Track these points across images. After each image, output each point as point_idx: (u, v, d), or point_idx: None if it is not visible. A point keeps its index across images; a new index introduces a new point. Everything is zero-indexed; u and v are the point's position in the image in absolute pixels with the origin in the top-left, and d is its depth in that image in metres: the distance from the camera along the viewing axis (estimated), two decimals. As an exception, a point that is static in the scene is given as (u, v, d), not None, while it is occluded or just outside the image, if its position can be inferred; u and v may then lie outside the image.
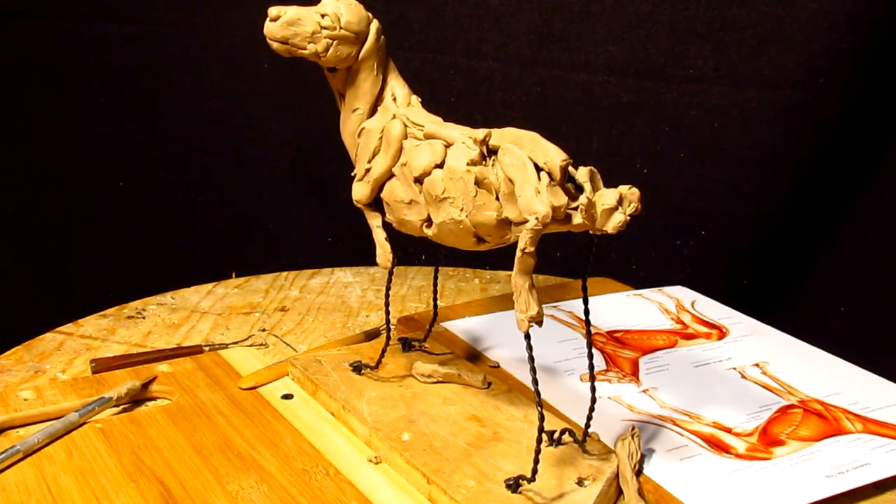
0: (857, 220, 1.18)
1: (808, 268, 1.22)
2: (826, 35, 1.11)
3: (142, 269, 1.50)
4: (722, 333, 0.93)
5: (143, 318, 0.95)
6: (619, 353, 0.87)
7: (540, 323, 0.60)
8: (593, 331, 0.91)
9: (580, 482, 0.64)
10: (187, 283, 1.06)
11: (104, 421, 0.73)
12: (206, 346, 0.86)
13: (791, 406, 0.78)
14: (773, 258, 1.23)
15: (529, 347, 0.61)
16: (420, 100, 0.71)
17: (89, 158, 1.47)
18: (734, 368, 0.85)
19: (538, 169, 0.59)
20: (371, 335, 0.91)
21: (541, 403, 0.61)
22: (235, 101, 1.42)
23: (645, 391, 0.80)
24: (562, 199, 0.58)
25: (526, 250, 0.58)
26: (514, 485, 0.62)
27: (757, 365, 0.86)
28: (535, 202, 0.58)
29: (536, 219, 0.57)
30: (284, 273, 1.09)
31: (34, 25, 1.42)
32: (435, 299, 0.82)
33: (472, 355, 0.85)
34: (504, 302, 1.00)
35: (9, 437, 0.70)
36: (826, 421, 0.76)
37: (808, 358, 0.88)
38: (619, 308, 0.99)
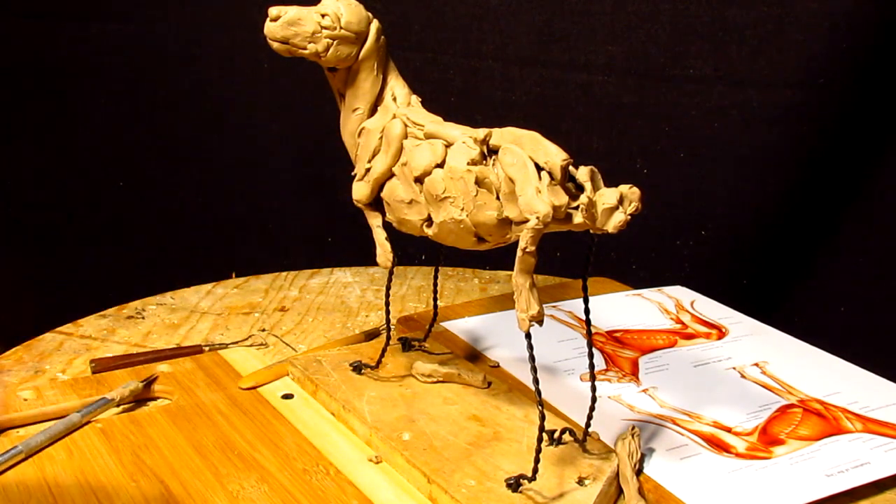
0: (857, 220, 1.18)
1: (808, 268, 1.22)
2: (826, 35, 1.11)
3: (141, 269, 1.50)
4: (721, 333, 0.93)
5: (143, 318, 0.95)
6: (619, 352, 0.87)
7: (540, 322, 0.60)
8: (593, 331, 0.91)
9: (580, 481, 0.64)
10: (187, 282, 1.06)
11: (105, 421, 0.73)
12: (206, 346, 0.86)
13: (791, 405, 0.78)
14: (773, 258, 1.23)
15: (530, 347, 0.61)
16: (420, 99, 0.71)
17: (89, 158, 1.47)
18: (734, 368, 0.85)
19: (539, 168, 0.59)
20: (371, 335, 0.91)
21: (541, 403, 0.61)
22: (235, 101, 1.41)
23: (645, 391, 0.80)
24: (562, 198, 0.58)
25: (527, 249, 0.58)
26: (514, 484, 0.62)
27: (756, 364, 0.86)
28: (536, 201, 0.58)
29: (537, 218, 0.57)
30: (284, 273, 1.08)
31: (34, 25, 1.42)
32: (435, 299, 0.82)
33: (472, 355, 0.85)
34: (504, 302, 1.00)
35: (9, 438, 0.70)
36: (826, 420, 0.76)
37: (808, 358, 0.88)
38: (619, 308, 0.99)
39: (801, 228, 1.21)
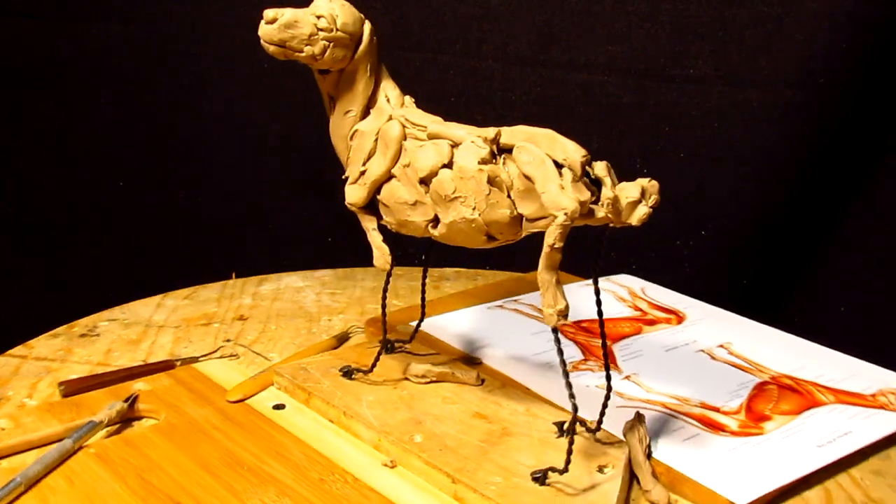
0: (857, 220, 1.18)
1: (808, 268, 1.22)
2: (826, 35, 1.11)
3: (142, 269, 1.50)
4: (680, 318, 0.95)
5: (97, 335, 0.91)
6: (592, 342, 0.88)
7: (566, 316, 0.60)
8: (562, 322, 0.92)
9: (601, 469, 0.65)
10: (187, 283, 1.05)
11: (96, 445, 0.69)
12: (176, 360, 0.83)
13: (765, 382, 0.81)
14: (773, 258, 1.23)
15: (557, 341, 0.61)
16: (413, 100, 0.70)
17: (89, 158, 1.47)
18: (702, 350, 0.87)
19: (557, 166, 0.60)
20: (342, 339, 0.90)
21: (573, 395, 0.61)
22: (235, 101, 1.41)
23: (627, 378, 0.81)
24: (585, 194, 0.59)
25: (555, 246, 0.59)
26: (542, 477, 0.62)
27: (722, 346, 0.88)
28: (563, 198, 0.58)
29: (565, 214, 0.58)
30: (231, 281, 1.06)
31: (34, 25, 1.42)
32: (423, 299, 0.81)
33: (451, 353, 0.85)
34: (465, 299, 0.99)
35: (-1, 470, 0.68)
36: (801, 395, 0.79)
37: (766, 336, 0.91)
38: (576, 298, 0.99)
39: (801, 228, 1.21)
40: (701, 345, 0.88)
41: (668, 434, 0.71)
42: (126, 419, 0.74)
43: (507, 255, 0.88)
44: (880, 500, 0.67)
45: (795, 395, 0.79)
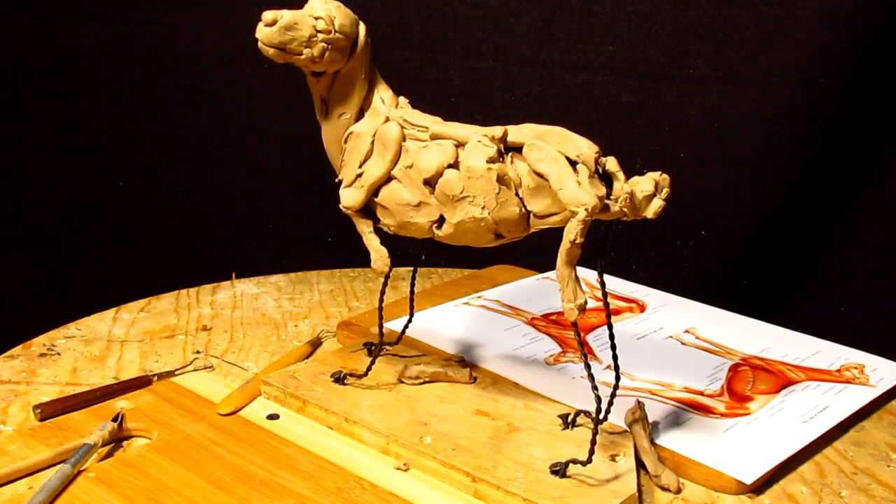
0: (857, 219, 1.18)
1: (808, 268, 1.22)
2: (826, 35, 1.11)
3: (144, 268, 1.50)
4: (641, 307, 0.97)
5: (58, 353, 0.86)
6: (565, 334, 0.89)
7: (584, 310, 0.61)
8: (530, 316, 0.93)
9: (613, 458, 0.65)
10: (188, 283, 1.05)
11: (95, 469, 0.66)
12: (152, 375, 0.80)
13: (738, 364, 0.83)
14: (773, 258, 1.23)
15: (578, 334, 0.62)
16: (408, 100, 0.70)
17: (89, 158, 1.47)
18: (671, 336, 0.89)
19: (570, 162, 0.60)
20: (315, 344, 0.89)
21: (595, 387, 0.62)
22: (235, 101, 1.41)
23: (609, 367, 0.80)
24: (602, 189, 0.60)
25: (576, 241, 0.59)
26: (562, 470, 0.63)
27: (688, 331, 0.90)
28: (582, 194, 0.59)
29: (586, 210, 0.58)
30: (185, 290, 1.03)
31: (34, 25, 1.42)
32: (411, 300, 0.79)
33: (434, 353, 0.84)
34: (426, 298, 0.98)
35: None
36: (774, 374, 0.81)
37: (726, 320, 0.94)
38: (537, 292, 1.01)
39: (801, 228, 1.21)
40: (668, 331, 0.90)
41: (662, 419, 0.73)
42: (115, 439, 0.71)
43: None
44: (867, 469, 0.70)
45: (769, 374, 0.81)
